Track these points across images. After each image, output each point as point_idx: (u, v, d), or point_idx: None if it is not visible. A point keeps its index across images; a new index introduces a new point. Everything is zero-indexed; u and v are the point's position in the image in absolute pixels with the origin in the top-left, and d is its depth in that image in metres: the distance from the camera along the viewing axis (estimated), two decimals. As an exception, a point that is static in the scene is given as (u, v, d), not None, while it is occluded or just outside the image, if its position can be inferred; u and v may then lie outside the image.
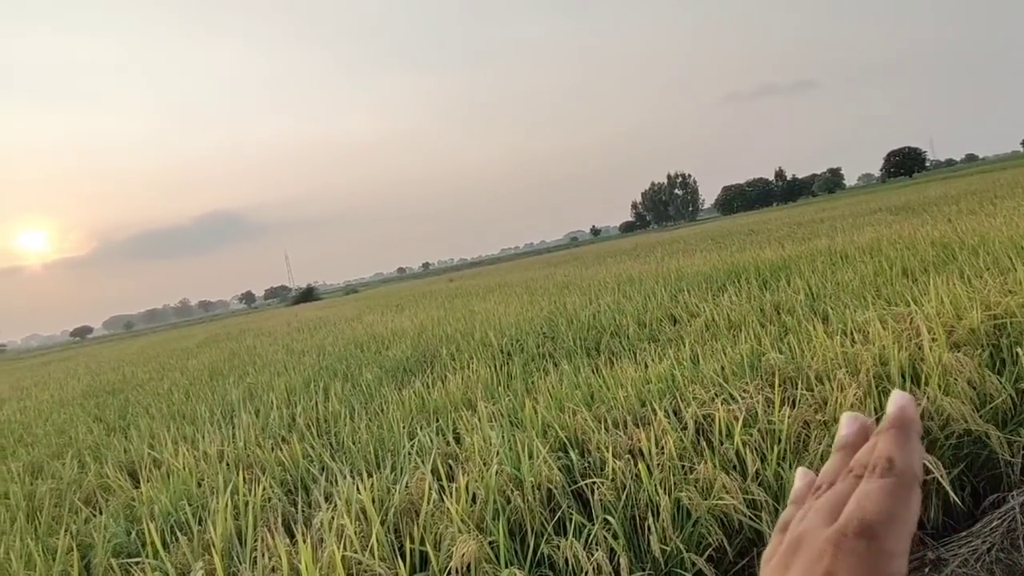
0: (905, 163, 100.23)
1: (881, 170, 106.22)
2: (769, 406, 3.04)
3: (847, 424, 0.38)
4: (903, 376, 3.11)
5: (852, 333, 3.92)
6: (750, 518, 2.42)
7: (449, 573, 2.35)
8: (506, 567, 2.35)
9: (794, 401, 3.11)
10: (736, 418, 2.88)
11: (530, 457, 2.93)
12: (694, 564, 2.28)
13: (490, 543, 2.45)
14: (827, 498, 0.33)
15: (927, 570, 2.46)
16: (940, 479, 2.49)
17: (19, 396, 12.62)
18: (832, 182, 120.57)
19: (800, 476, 0.40)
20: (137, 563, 2.86)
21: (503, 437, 3.26)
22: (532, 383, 4.69)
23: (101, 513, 3.71)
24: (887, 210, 16.89)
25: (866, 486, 0.31)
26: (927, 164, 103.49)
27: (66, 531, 3.34)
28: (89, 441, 5.95)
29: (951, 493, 2.49)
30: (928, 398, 2.87)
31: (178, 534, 3.03)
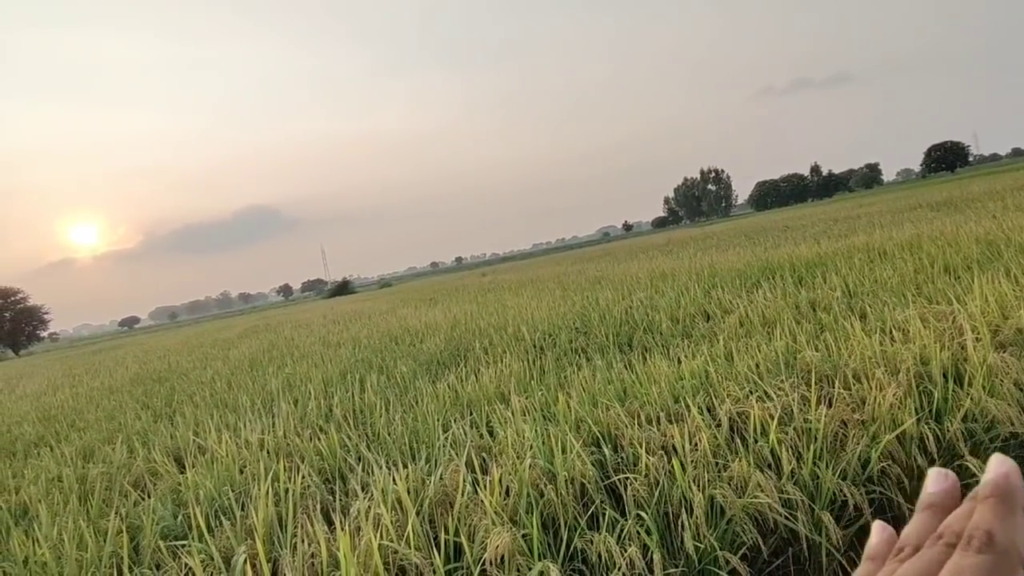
0: (947, 158, 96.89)
1: (921, 165, 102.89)
2: (805, 404, 3.01)
3: (935, 482, 0.36)
4: (945, 376, 3.04)
5: (891, 331, 3.85)
6: (785, 518, 2.41)
7: (483, 565, 2.38)
8: (539, 560, 2.38)
9: (831, 400, 3.07)
10: (771, 416, 2.86)
11: (563, 451, 2.95)
12: (728, 562, 2.27)
13: (523, 536, 2.49)
14: (914, 566, 0.30)
15: None
16: (983, 482, 2.44)
17: (71, 383, 13.12)
18: (869, 177, 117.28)
19: (877, 531, 0.37)
20: (183, 546, 2.97)
21: (536, 431, 3.29)
22: (565, 378, 4.70)
23: (149, 497, 3.84)
24: (927, 206, 16.39)
25: (961, 560, 0.28)
26: (970, 159, 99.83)
27: (116, 513, 3.46)
28: (137, 427, 6.16)
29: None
30: (972, 399, 2.81)
31: (222, 519, 3.12)
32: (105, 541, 3.15)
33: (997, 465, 0.31)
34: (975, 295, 4.08)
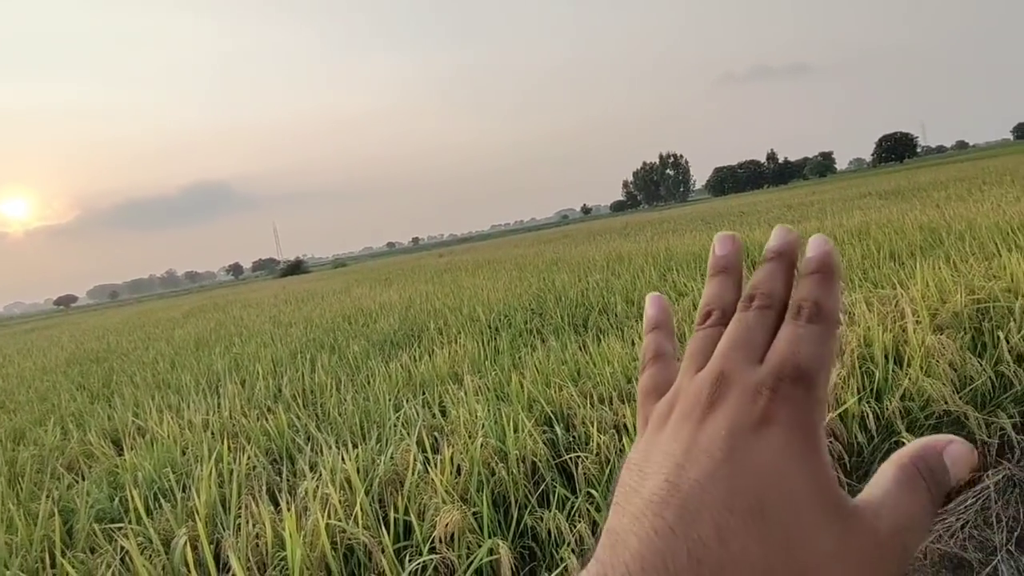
0: (896, 148, 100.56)
1: (872, 155, 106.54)
2: (754, 384, 3.06)
3: (723, 244, 0.35)
4: (886, 357, 3.14)
5: (838, 314, 3.95)
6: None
7: (432, 543, 2.36)
8: (489, 537, 2.37)
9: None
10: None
11: (515, 430, 2.94)
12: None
13: (474, 514, 2.47)
14: (737, 335, 0.30)
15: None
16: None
17: (1, 363, 12.51)
18: (823, 166, 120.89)
19: (653, 302, 0.37)
20: (120, 528, 2.86)
21: (489, 410, 3.28)
22: (519, 358, 4.70)
23: (84, 479, 3.70)
24: (877, 194, 16.97)
25: (798, 330, 0.29)
26: (918, 150, 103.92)
27: (48, 496, 3.32)
28: (72, 408, 5.92)
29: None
30: (910, 379, 2.91)
31: (161, 501, 3.03)
32: (36, 524, 3.02)
33: (818, 243, 0.32)
34: (917, 280, 4.23)
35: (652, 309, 0.37)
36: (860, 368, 3.09)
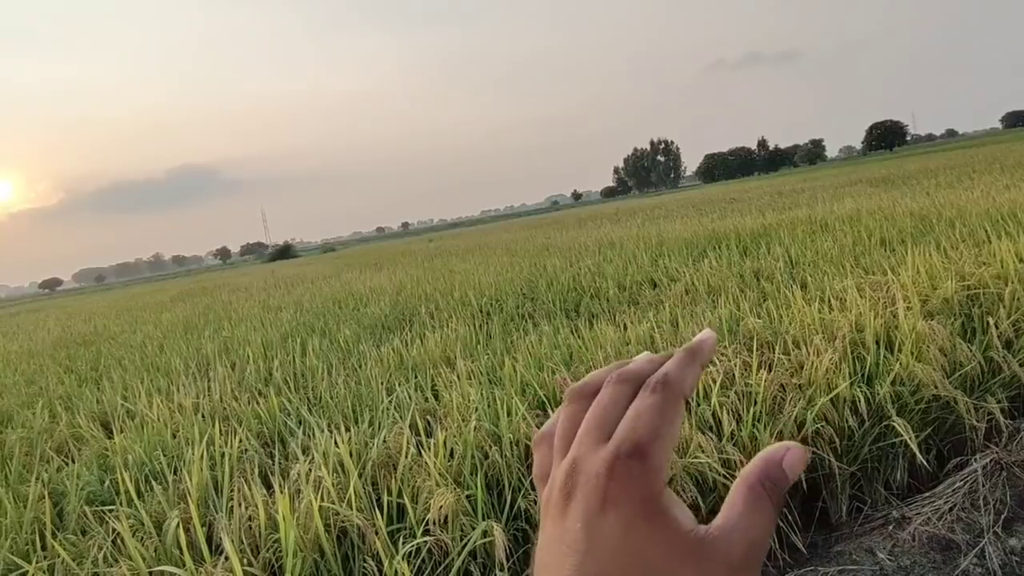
0: (886, 136, 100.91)
1: (863, 143, 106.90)
2: (746, 369, 3.08)
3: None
4: (878, 343, 3.16)
5: (830, 300, 3.97)
6: (724, 477, 2.47)
7: (426, 525, 2.37)
8: (483, 520, 2.38)
9: (771, 365, 3.15)
10: (713, 380, 2.92)
11: (508, 414, 2.94)
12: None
13: (467, 496, 2.48)
14: (593, 414, 0.33)
15: (891, 528, 2.54)
16: (908, 441, 2.55)
17: (-14, 346, 12.38)
18: (814, 153, 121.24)
19: (564, 389, 0.39)
20: (111, 511, 2.84)
21: (482, 394, 3.28)
22: (511, 342, 4.69)
23: (74, 462, 3.67)
24: (867, 182, 17.03)
25: (639, 404, 0.31)
26: (908, 138, 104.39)
27: (37, 479, 3.29)
28: (60, 391, 5.87)
29: (918, 455, 2.56)
30: (901, 364, 2.93)
31: (153, 483, 3.01)
32: (26, 507, 3.00)
33: (700, 335, 0.36)
34: (908, 266, 4.26)
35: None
36: (852, 353, 3.11)
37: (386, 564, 2.21)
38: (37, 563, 2.43)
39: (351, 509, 2.44)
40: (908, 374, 2.91)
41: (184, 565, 2.26)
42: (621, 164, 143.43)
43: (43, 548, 2.72)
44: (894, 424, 2.65)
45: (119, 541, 2.53)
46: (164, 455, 3.36)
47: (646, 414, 0.31)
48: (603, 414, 0.33)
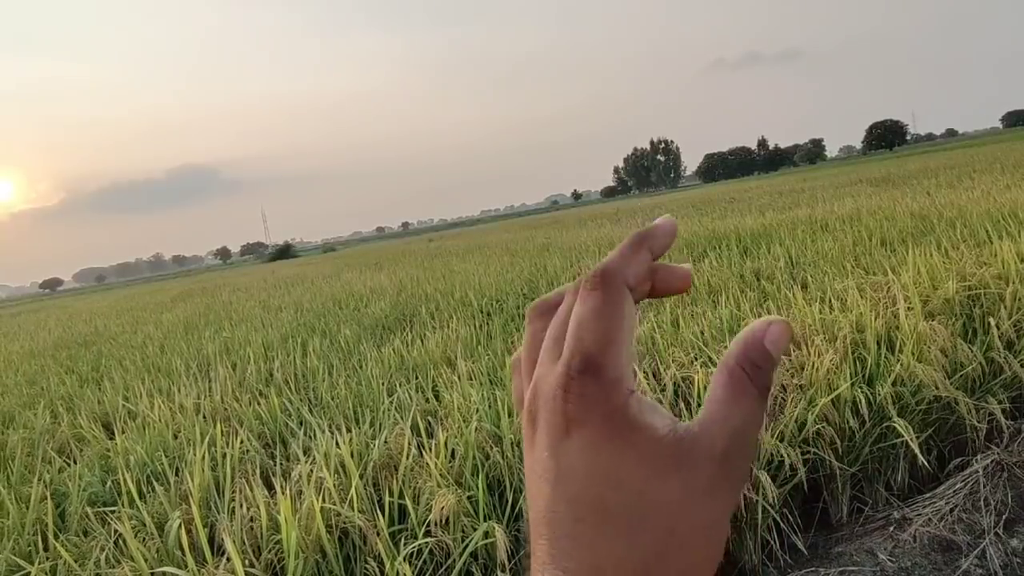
0: (887, 136, 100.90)
1: (863, 142, 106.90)
2: (747, 370, 3.07)
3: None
4: (878, 343, 3.16)
5: (830, 300, 3.97)
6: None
7: (428, 526, 2.37)
8: (485, 521, 2.38)
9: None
10: (714, 380, 2.91)
11: (509, 415, 2.95)
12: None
13: (469, 497, 2.48)
14: (550, 328, 0.31)
15: (892, 528, 2.54)
16: (909, 442, 2.55)
17: (-13, 346, 12.40)
18: (814, 153, 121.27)
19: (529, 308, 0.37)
20: (113, 511, 2.85)
21: (483, 395, 3.28)
22: (512, 343, 4.70)
23: (75, 463, 3.68)
24: (868, 182, 17.04)
25: (580, 309, 0.28)
26: (908, 138, 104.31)
27: (39, 480, 3.30)
28: (61, 392, 5.89)
29: (919, 456, 2.56)
30: (902, 365, 2.93)
31: (155, 484, 3.02)
32: (28, 507, 3.00)
33: (658, 219, 0.33)
34: (908, 267, 4.26)
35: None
36: (853, 354, 3.11)
37: (387, 565, 2.21)
38: (39, 564, 2.44)
39: (352, 510, 2.45)
40: (909, 375, 2.91)
41: (186, 566, 2.26)
42: (621, 164, 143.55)
43: (45, 549, 2.72)
44: (895, 425, 2.65)
45: (121, 542, 2.53)
46: (166, 456, 3.37)
47: (589, 320, 0.28)
48: (560, 327, 0.30)
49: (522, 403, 0.31)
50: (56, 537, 2.71)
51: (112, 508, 2.93)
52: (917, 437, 2.62)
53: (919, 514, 2.54)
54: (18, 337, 13.51)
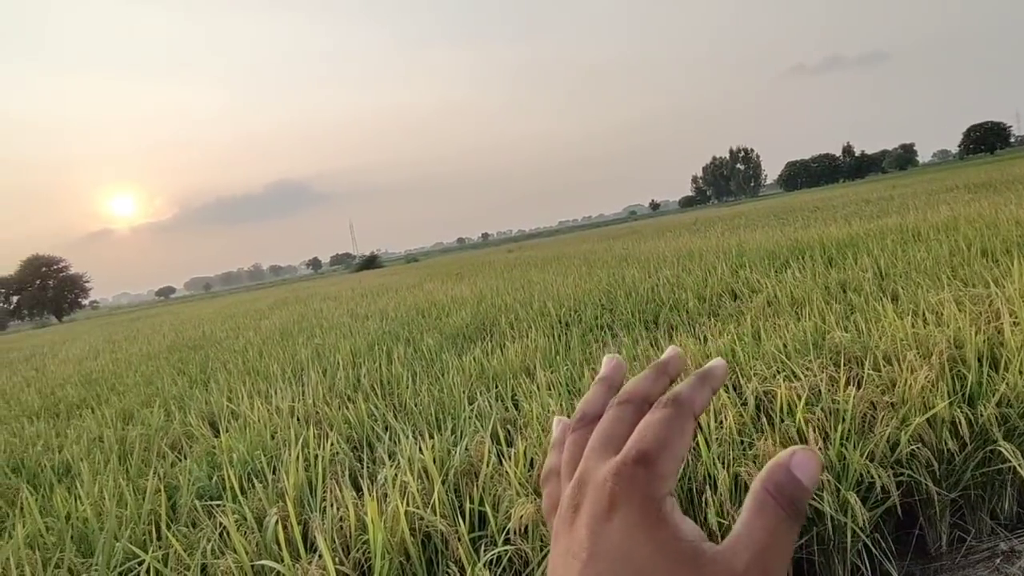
0: (987, 139, 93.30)
1: (959, 146, 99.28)
2: (833, 385, 2.97)
3: (607, 365, 0.40)
4: (980, 360, 2.98)
5: (924, 314, 3.77)
6: (811, 497, 2.40)
7: (507, 534, 2.42)
8: (562, 530, 2.41)
9: (860, 381, 3.03)
10: (798, 396, 2.84)
11: (588, 426, 2.96)
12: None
13: (547, 507, 2.51)
14: (599, 433, 0.34)
15: (998, 561, 2.39)
16: (1017, 468, 2.40)
17: (111, 349, 13.52)
18: (904, 158, 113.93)
19: (556, 424, 0.41)
20: (218, 505, 3.07)
21: (561, 405, 3.32)
22: (590, 353, 4.71)
23: (185, 458, 3.97)
24: (965, 188, 15.85)
25: (648, 419, 0.32)
26: (1012, 140, 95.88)
27: (154, 473, 3.58)
28: (174, 392, 6.35)
29: (1027, 482, 2.40)
30: (1008, 384, 2.75)
31: (254, 481, 3.22)
32: (144, 499, 3.25)
33: (711, 362, 0.36)
34: (1014, 279, 3.97)
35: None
36: (950, 371, 2.94)
37: (468, 571, 2.27)
38: (152, 553, 2.58)
39: (435, 515, 2.53)
40: (1016, 395, 2.72)
41: (282, 561, 2.40)
42: (699, 173, 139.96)
43: (158, 538, 2.92)
44: (1000, 449, 2.49)
45: (225, 535, 2.70)
46: (264, 455, 3.60)
47: (655, 425, 0.31)
48: (609, 431, 0.33)
49: (554, 509, 0.34)
50: (168, 527, 2.94)
51: (217, 502, 3.15)
52: (1026, 462, 2.46)
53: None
54: (137, 340, 14.64)
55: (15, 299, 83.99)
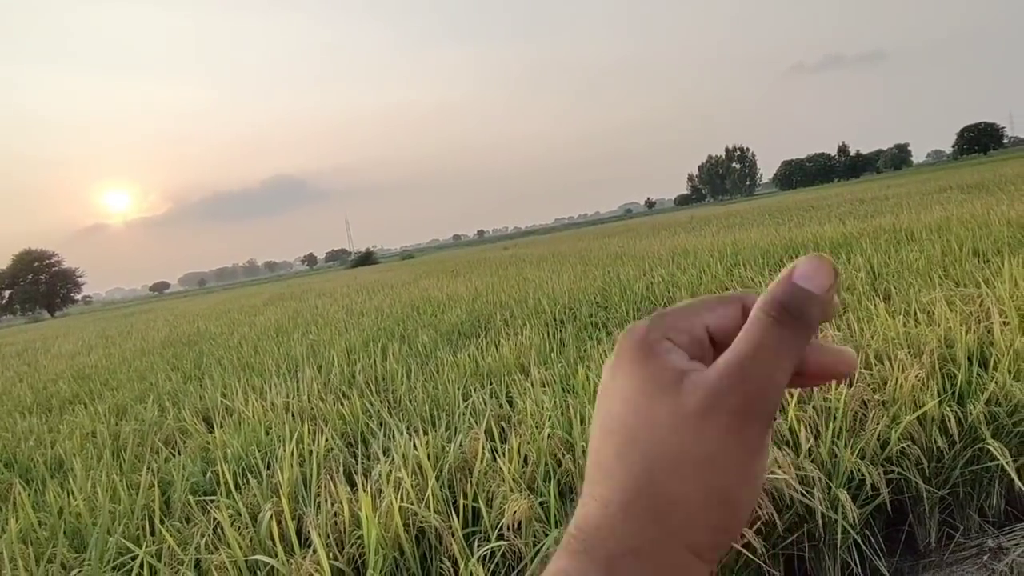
0: (980, 139, 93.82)
1: (953, 146, 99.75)
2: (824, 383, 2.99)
3: None
4: (970, 359, 3.00)
5: (916, 313, 3.79)
6: (802, 494, 2.42)
7: (500, 530, 2.43)
8: (556, 527, 2.42)
9: (851, 380, 3.05)
10: (790, 393, 2.86)
11: (581, 422, 2.98)
12: (743, 535, 2.30)
13: (541, 503, 2.53)
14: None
15: (986, 558, 2.42)
16: (1005, 466, 2.42)
17: (104, 344, 13.49)
18: (898, 158, 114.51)
19: None
20: (212, 501, 3.07)
21: (555, 402, 3.33)
22: (585, 351, 4.73)
23: (179, 454, 3.96)
24: (958, 188, 15.94)
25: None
26: (1005, 141, 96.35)
27: (148, 469, 3.57)
28: (168, 387, 6.34)
29: (1016, 480, 2.43)
30: (997, 383, 2.78)
31: (249, 477, 3.22)
32: (137, 494, 3.24)
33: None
34: (1004, 279, 4.00)
35: None
36: (940, 370, 2.97)
37: (462, 566, 2.28)
38: (146, 547, 2.59)
39: (429, 511, 2.54)
40: (1005, 394, 2.75)
41: (276, 556, 2.41)
42: (695, 171, 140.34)
43: (152, 533, 2.91)
44: (989, 447, 2.51)
45: (219, 530, 2.70)
46: (258, 450, 3.59)
47: (697, 301, 0.33)
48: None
49: None
50: (162, 522, 2.93)
51: (211, 497, 3.14)
52: (1014, 460, 2.48)
53: (1016, 543, 2.41)
54: (131, 336, 14.60)
55: (7, 294, 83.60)
